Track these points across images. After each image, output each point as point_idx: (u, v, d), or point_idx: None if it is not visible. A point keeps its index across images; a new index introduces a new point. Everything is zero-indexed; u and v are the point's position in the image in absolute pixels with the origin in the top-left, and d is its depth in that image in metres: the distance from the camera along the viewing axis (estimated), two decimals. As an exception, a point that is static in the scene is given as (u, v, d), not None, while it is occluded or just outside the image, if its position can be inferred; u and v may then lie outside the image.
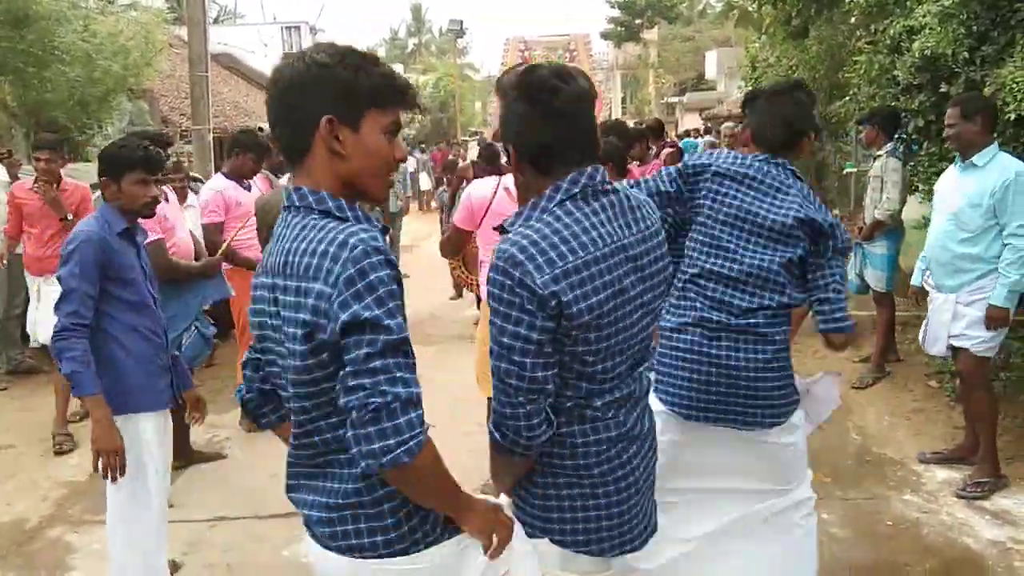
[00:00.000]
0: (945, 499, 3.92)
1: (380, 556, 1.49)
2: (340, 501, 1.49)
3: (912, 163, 5.62)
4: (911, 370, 5.53)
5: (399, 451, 1.32)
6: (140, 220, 3.06)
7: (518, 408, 1.59)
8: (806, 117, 2.60)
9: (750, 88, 11.13)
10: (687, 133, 20.06)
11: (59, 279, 2.78)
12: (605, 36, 34.42)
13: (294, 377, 1.45)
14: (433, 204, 11.82)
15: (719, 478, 2.57)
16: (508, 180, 4.07)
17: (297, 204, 1.47)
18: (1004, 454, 4.28)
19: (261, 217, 2.95)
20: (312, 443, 1.50)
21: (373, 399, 1.31)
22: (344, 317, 1.32)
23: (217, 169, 10.52)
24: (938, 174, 4.86)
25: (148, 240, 4.12)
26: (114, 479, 2.70)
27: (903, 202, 5.43)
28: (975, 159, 3.82)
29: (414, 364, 1.39)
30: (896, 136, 5.50)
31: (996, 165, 3.76)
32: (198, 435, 4.77)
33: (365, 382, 1.32)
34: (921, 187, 5.49)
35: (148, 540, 2.91)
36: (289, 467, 1.60)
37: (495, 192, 3.88)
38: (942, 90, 5.04)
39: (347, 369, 1.34)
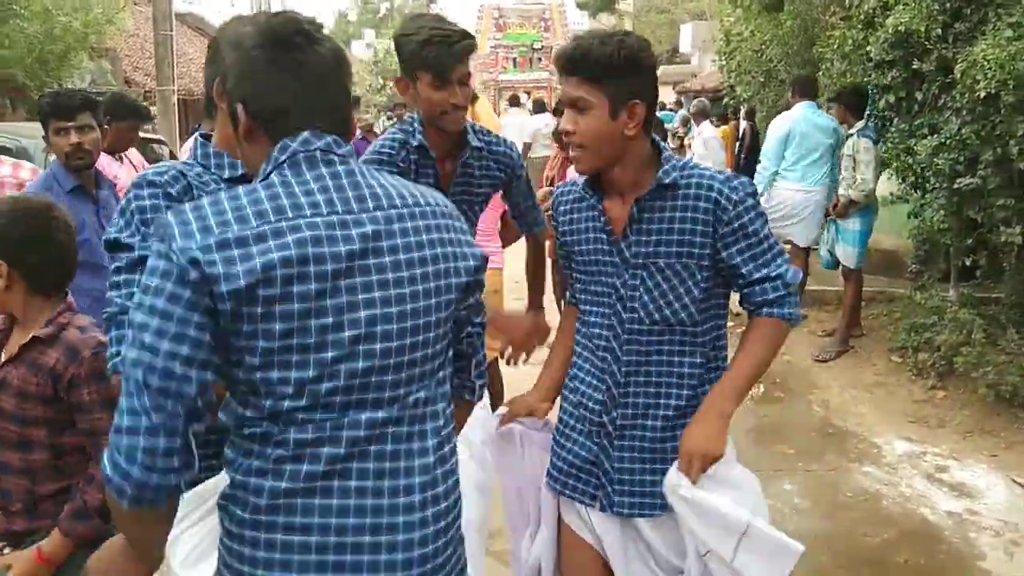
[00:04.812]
0: (904, 471, 4.00)
1: None
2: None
3: (882, 139, 5.65)
4: (874, 344, 5.60)
5: None
6: (104, 171, 3.01)
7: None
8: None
9: (724, 63, 11.11)
10: (662, 106, 20.00)
11: None
12: (581, 6, 34.09)
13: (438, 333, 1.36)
14: None
15: None
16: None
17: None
18: (963, 427, 4.39)
19: None
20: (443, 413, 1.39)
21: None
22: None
23: (182, 132, 10.28)
24: (908, 150, 4.89)
25: None
26: None
27: (877, 180, 5.50)
28: None
29: None
30: (868, 114, 5.54)
31: None
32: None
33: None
34: (895, 164, 5.52)
35: None
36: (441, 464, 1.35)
37: None
38: (914, 67, 5.05)
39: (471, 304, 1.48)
